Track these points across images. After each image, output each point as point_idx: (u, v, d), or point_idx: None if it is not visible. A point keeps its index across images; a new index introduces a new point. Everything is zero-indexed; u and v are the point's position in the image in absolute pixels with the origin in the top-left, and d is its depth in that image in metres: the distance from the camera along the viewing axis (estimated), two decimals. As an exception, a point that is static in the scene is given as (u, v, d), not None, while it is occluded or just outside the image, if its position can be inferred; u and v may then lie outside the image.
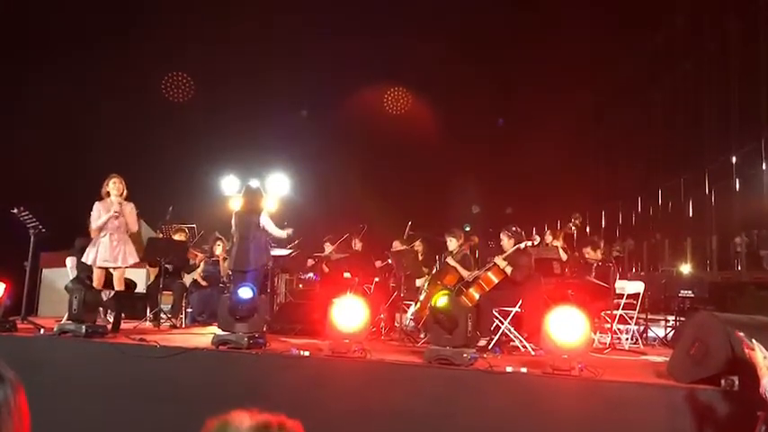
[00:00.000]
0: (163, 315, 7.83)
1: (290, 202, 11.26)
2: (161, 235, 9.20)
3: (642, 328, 7.77)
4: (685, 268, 12.54)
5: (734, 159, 12.41)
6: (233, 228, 7.57)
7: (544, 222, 14.30)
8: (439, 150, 14.76)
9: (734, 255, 11.51)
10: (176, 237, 8.73)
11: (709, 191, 13.48)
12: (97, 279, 6.89)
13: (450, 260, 7.58)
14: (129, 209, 7.00)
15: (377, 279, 8.52)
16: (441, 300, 5.46)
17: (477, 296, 6.71)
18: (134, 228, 7.08)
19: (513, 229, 7.00)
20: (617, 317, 7.14)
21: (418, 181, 15.39)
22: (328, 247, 9.19)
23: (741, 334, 3.56)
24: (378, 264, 8.81)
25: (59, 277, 8.77)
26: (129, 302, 7.72)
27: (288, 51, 13.58)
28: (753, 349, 3.30)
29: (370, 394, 5.22)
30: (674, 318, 8.09)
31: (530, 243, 7.06)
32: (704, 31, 13.20)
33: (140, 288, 8.38)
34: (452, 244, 7.71)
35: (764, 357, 3.21)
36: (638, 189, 15.72)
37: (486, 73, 14.50)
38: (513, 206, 15.48)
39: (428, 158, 15.01)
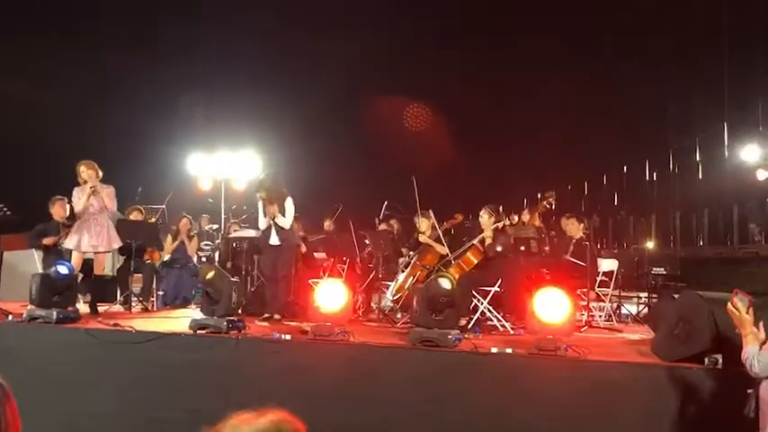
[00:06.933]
0: (133, 298, 7.61)
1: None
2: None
3: (615, 305, 7.88)
4: (649, 244, 12.79)
5: (697, 140, 12.70)
6: (260, 213, 7.17)
7: (513, 201, 14.39)
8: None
9: (751, 239, 11.81)
10: (132, 216, 8.46)
11: (673, 169, 13.76)
12: (76, 264, 6.66)
13: (422, 238, 7.55)
14: (106, 191, 6.85)
15: (346, 258, 8.33)
16: (444, 282, 5.38)
17: (456, 276, 6.70)
18: (112, 208, 6.96)
19: (494, 207, 7.00)
20: (593, 294, 7.21)
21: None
22: (328, 224, 9.13)
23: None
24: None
25: (21, 260, 8.44)
26: (101, 286, 7.47)
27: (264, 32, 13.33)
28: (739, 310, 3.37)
29: (355, 377, 5.17)
30: (646, 295, 8.23)
31: (508, 222, 7.08)
32: (669, 11, 13.36)
33: (108, 270, 8.13)
34: (423, 224, 7.66)
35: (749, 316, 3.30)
36: (604, 167, 15.93)
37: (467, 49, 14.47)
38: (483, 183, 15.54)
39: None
